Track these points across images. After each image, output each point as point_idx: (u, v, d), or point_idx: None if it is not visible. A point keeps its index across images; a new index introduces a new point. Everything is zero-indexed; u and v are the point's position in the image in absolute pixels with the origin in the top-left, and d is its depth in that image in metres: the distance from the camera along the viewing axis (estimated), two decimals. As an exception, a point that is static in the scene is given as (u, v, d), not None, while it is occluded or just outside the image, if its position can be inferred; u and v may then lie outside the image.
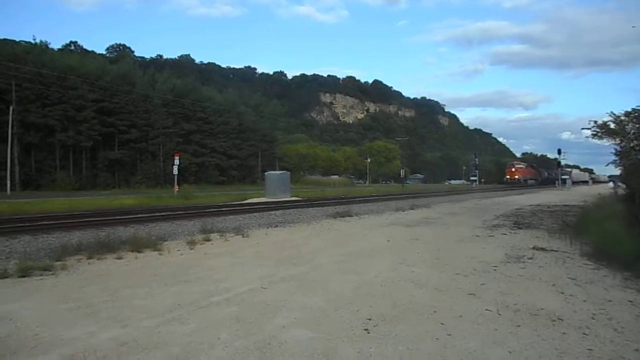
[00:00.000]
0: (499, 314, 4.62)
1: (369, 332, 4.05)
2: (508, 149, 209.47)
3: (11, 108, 41.50)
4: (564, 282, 6.04)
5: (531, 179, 74.00)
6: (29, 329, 4.08)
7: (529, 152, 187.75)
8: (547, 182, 75.67)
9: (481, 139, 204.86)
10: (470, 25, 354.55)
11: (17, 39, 60.01)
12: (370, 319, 4.38)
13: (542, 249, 8.68)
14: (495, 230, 12.03)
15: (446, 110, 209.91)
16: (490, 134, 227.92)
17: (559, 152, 75.52)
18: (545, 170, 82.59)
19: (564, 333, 4.10)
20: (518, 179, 71.30)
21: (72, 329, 4.10)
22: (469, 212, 18.54)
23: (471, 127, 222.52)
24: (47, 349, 3.65)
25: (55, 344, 3.73)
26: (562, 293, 5.49)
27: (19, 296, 5.26)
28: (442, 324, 4.28)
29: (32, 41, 57.65)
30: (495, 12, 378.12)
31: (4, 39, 57.78)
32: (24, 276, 6.18)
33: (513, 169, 74.70)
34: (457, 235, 10.84)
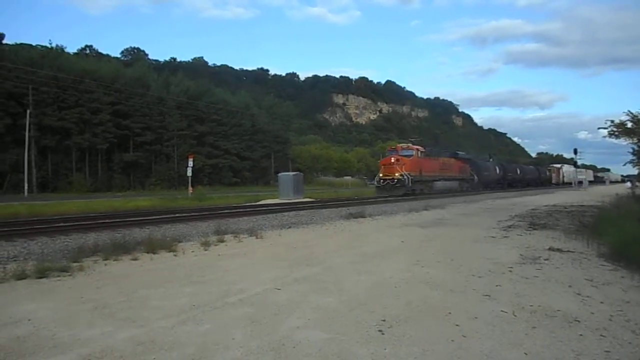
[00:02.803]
0: (515, 316, 4.57)
1: (383, 333, 4.04)
2: (523, 149, 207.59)
3: (28, 111, 42.19)
4: (581, 284, 5.96)
5: (448, 179, 38.60)
6: (47, 329, 4.14)
7: (544, 152, 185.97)
8: (502, 184, 52.94)
9: (496, 139, 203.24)
10: (484, 24, 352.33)
11: (34, 44, 61.13)
12: (384, 320, 4.37)
13: (558, 250, 8.58)
14: (511, 231, 11.92)
15: (460, 110, 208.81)
16: (505, 133, 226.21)
17: (575, 151, 72.84)
18: (496, 166, 54.11)
19: (581, 335, 4.05)
20: (398, 180, 30.99)
21: (89, 329, 4.15)
22: (484, 212, 18.40)
23: (485, 127, 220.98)
24: (65, 348, 3.70)
25: (73, 344, 3.78)
26: (578, 294, 5.42)
27: (36, 297, 5.34)
28: (457, 325, 4.26)
29: (48, 45, 58.59)
30: (510, 11, 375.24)
31: (21, 44, 58.79)
32: (41, 277, 6.27)
33: (392, 160, 32.00)
34: (472, 236, 10.76)
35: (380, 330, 4.10)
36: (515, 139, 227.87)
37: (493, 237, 10.68)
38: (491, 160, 63.57)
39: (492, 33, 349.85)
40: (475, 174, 44.76)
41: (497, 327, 4.24)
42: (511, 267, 6.98)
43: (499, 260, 7.59)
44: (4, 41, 51.27)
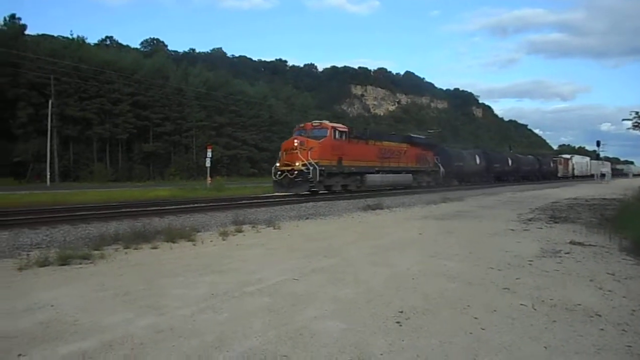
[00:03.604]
0: (535, 309, 4.52)
1: (400, 325, 4.03)
2: (545, 141, 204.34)
3: (50, 102, 42.89)
4: (602, 277, 5.87)
5: (394, 170, 28.21)
6: (69, 316, 4.22)
7: (566, 144, 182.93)
8: (486, 177, 44.13)
9: (516, 131, 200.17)
10: (505, 13, 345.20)
11: (55, 34, 61.98)
12: (402, 312, 4.36)
13: (580, 244, 8.44)
14: (531, 224, 11.77)
15: (480, 101, 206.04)
16: (526, 125, 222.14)
17: (598, 143, 70.82)
18: (477, 155, 43.80)
19: (602, 329, 3.99)
20: (299, 172, 21.09)
21: (110, 316, 4.23)
22: (504, 205, 18.19)
23: (506, 119, 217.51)
24: (87, 334, 3.77)
25: (94, 330, 3.85)
26: (600, 288, 5.34)
27: (59, 284, 5.45)
28: (475, 318, 4.23)
29: (70, 36, 59.45)
30: (532, 0, 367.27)
31: (43, 34, 59.68)
32: (64, 264, 6.39)
33: (295, 144, 21.78)
34: (491, 229, 10.65)
35: (397, 322, 4.09)
36: (536, 131, 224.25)
37: (513, 230, 10.56)
38: (479, 150, 49.64)
39: (513, 23, 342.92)
40: (442, 165, 34.43)
41: (517, 320, 4.19)
42: (531, 261, 6.89)
43: (518, 253, 7.50)
44: (27, 32, 52.10)
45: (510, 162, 50.39)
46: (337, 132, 23.09)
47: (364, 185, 24.95)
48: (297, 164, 21.07)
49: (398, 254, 7.55)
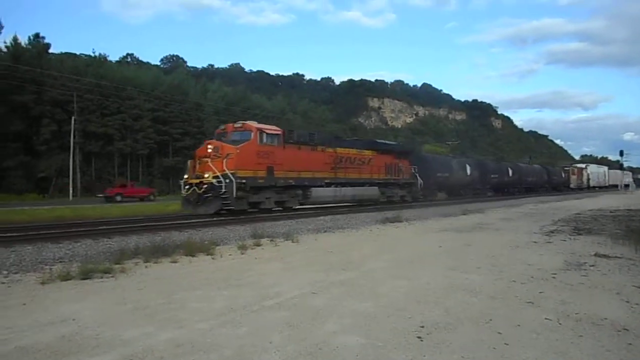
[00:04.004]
0: (560, 324, 4.41)
1: (421, 340, 3.96)
2: (566, 151, 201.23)
3: (73, 118, 43.84)
4: (629, 290, 5.71)
5: (352, 183, 23.18)
6: (91, 329, 4.25)
7: (588, 154, 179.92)
8: (480, 190, 39.52)
9: (537, 142, 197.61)
10: (524, 24, 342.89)
11: (78, 53, 63.54)
12: (422, 327, 4.29)
13: (605, 256, 8.24)
14: (554, 236, 11.55)
15: (499, 112, 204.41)
16: (547, 136, 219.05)
17: (621, 153, 69.45)
18: (467, 164, 37.53)
19: (630, 344, 3.86)
20: (209, 186, 16.48)
21: (131, 329, 4.24)
22: (525, 217, 17.91)
23: (526, 129, 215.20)
24: (108, 348, 3.78)
25: (115, 344, 3.87)
26: (627, 302, 5.19)
27: (81, 297, 5.50)
28: (499, 333, 4.13)
29: (92, 54, 60.82)
30: (551, 10, 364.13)
31: (66, 53, 61.34)
32: (85, 278, 6.46)
33: (209, 150, 17.31)
34: (513, 242, 10.48)
35: (418, 337, 4.03)
36: (557, 142, 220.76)
37: (535, 242, 10.37)
38: (472, 159, 44.29)
39: (532, 33, 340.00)
40: (420, 176, 29.17)
41: (541, 335, 4.09)
42: (555, 274, 6.75)
43: (541, 266, 7.35)
44: (50, 51, 53.45)
45: (510, 172, 44.16)
46: (265, 136, 18.55)
47: (309, 201, 20.55)
48: (206, 175, 16.66)
49: (418, 267, 7.46)
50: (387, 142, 31.45)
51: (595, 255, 8.37)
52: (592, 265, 7.41)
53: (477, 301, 5.25)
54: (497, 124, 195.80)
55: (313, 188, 20.49)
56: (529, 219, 16.72)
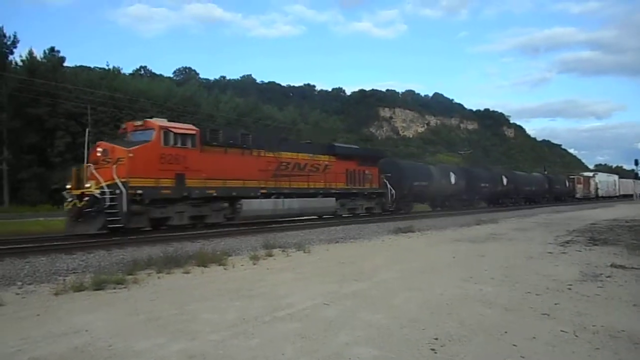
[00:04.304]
0: (576, 336, 4.33)
1: (435, 352, 3.91)
2: (580, 160, 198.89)
3: (87, 130, 44.08)
4: (648, 303, 5.60)
5: (299, 193, 19.95)
6: (104, 340, 4.26)
7: (602, 163, 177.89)
8: (467, 201, 35.66)
9: (550, 151, 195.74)
10: (535, 33, 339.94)
11: (92, 66, 64.45)
12: (436, 338, 4.24)
13: (622, 267, 8.11)
14: (569, 246, 11.40)
15: (511, 121, 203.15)
16: (560, 145, 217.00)
17: (636, 162, 68.41)
18: (451, 172, 33.45)
19: (651, 358, 3.78)
20: (91, 198, 13.48)
21: (143, 340, 4.24)
22: (539, 227, 17.71)
23: (539, 139, 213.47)
24: (121, 359, 3.78)
25: (128, 355, 3.87)
26: (646, 314, 5.09)
27: (94, 308, 5.53)
28: (514, 345, 4.06)
29: (106, 67, 61.65)
30: (563, 19, 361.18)
31: (81, 66, 62.11)
32: (98, 289, 6.49)
33: (98, 153, 14.98)
34: (527, 252, 10.35)
35: (432, 349, 3.97)
36: (571, 151, 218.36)
37: (550, 252, 10.24)
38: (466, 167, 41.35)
39: (544, 42, 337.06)
40: (392, 185, 25.80)
41: (558, 347, 4.02)
42: (570, 285, 6.64)
43: (557, 277, 7.25)
44: (65, 64, 54.30)
45: (505, 180, 39.66)
46: (171, 136, 15.28)
47: (240, 215, 17.01)
48: (87, 185, 13.74)
49: (431, 277, 7.39)
50: (348, 145, 27.98)
51: (612, 266, 8.24)
52: (609, 276, 7.29)
53: (492, 313, 5.18)
54: (510, 133, 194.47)
55: (245, 200, 17.02)
56: (543, 229, 16.53)
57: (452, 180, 32.61)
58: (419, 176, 29.12)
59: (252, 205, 17.27)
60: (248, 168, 17.49)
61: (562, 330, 4.47)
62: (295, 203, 19.38)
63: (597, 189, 58.55)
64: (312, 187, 20.36)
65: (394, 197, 25.72)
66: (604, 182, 61.37)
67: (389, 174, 25.82)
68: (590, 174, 63.07)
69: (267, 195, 18.10)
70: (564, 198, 50.86)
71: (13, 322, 4.96)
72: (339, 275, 7.59)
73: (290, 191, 19.20)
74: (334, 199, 21.42)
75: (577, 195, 53.71)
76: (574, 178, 55.58)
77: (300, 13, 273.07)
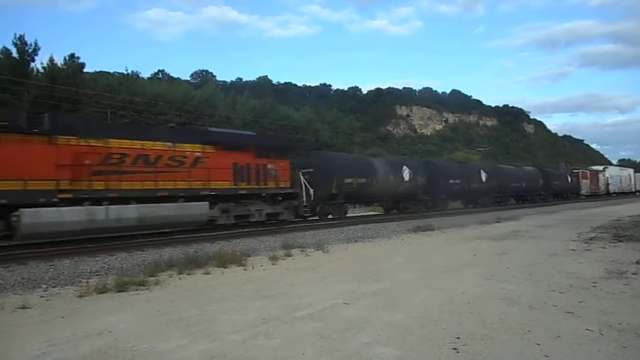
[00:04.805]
0: (602, 334, 4.25)
1: (457, 352, 3.87)
2: (603, 155, 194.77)
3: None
4: (677, 300, 5.46)
5: (120, 198, 13.22)
6: (127, 341, 4.31)
7: (626, 158, 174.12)
8: (430, 201, 28.17)
9: (571, 146, 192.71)
10: (554, 26, 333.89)
11: (112, 71, 65.42)
12: (458, 338, 4.19)
13: (648, 263, 7.93)
14: (593, 243, 11.19)
15: (531, 117, 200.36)
16: (582, 140, 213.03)
17: None
18: (404, 166, 26.10)
19: (681, 357, 3.68)
20: None
21: (165, 341, 4.29)
22: (562, 224, 17.42)
23: (560, 134, 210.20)
24: (143, 360, 3.83)
25: (151, 356, 3.91)
26: (675, 312, 4.96)
27: (117, 310, 5.60)
28: (537, 344, 4.00)
29: (125, 72, 62.51)
30: (582, 11, 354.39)
31: (100, 72, 63.08)
32: (121, 291, 6.58)
33: None
34: (550, 249, 10.19)
35: (454, 348, 3.93)
36: (593, 146, 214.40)
37: (573, 250, 10.07)
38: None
39: (564, 35, 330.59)
40: (312, 183, 19.56)
41: (583, 346, 3.94)
42: (595, 282, 6.52)
43: (581, 274, 7.12)
44: (85, 70, 55.22)
45: (484, 176, 32.11)
46: None
47: (20, 233, 11.32)
48: None
49: (452, 276, 7.32)
50: (236, 131, 20.83)
51: (637, 262, 8.06)
52: (634, 274, 7.14)
53: (515, 311, 5.11)
54: (530, 129, 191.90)
55: (26, 210, 11.24)
56: (566, 226, 16.26)
57: (406, 176, 26.01)
58: (353, 171, 22.50)
59: (40, 217, 11.48)
60: (34, 161, 11.88)
61: (587, 329, 4.39)
62: (129, 212, 13.36)
63: (607, 184, 51.93)
64: (166, 187, 14.48)
65: (312, 198, 19.42)
66: (616, 176, 54.78)
67: (311, 169, 20.00)
68: (600, 167, 56.10)
69: (75, 202, 12.44)
70: (567, 195, 44.34)
71: (38, 325, 5.05)
72: (358, 275, 7.56)
73: (123, 195, 13.43)
74: (207, 203, 15.37)
75: (583, 192, 46.52)
76: (578, 172, 47.89)
77: (316, 13, 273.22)
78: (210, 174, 15.60)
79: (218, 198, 15.90)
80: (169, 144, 15.02)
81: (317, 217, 20.76)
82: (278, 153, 18.57)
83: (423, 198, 27.62)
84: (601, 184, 50.56)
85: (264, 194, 17.55)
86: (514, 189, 36.69)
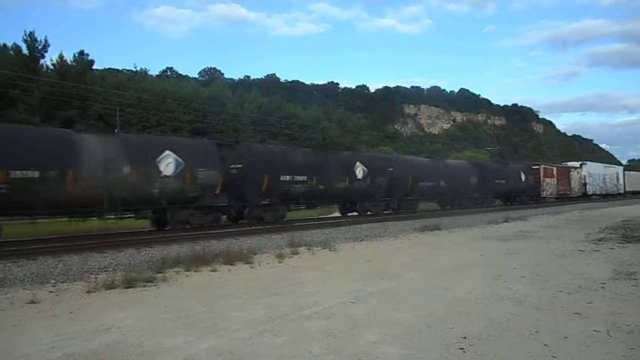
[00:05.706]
0: (610, 336, 4.22)
1: (464, 352, 3.86)
2: (612, 155, 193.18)
3: (116, 131, 45.09)
4: (687, 302, 5.41)
5: None
6: (135, 338, 4.34)
7: (636, 158, 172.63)
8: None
9: (581, 146, 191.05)
10: (564, 26, 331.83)
11: (120, 68, 65.85)
12: (465, 338, 4.18)
13: (658, 265, 7.87)
14: (601, 244, 11.11)
15: (540, 116, 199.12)
16: (591, 140, 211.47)
17: None
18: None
19: (690, 359, 3.65)
20: None
21: (172, 338, 4.31)
22: (570, 224, 17.32)
23: (569, 134, 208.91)
24: (151, 357, 3.85)
25: (158, 353, 3.93)
26: (684, 314, 4.92)
27: (125, 306, 5.64)
28: (545, 345, 3.98)
29: (134, 69, 62.88)
30: (592, 11, 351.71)
31: (109, 69, 63.55)
32: (129, 287, 6.61)
33: None
34: (558, 250, 10.13)
35: (461, 348, 3.92)
36: (603, 146, 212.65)
37: (582, 250, 10.01)
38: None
39: (574, 35, 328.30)
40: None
41: (591, 347, 3.92)
42: (603, 283, 6.47)
43: (589, 275, 7.08)
44: (94, 67, 55.56)
45: (361, 172, 21.64)
46: None
47: None
48: None
49: (459, 276, 7.30)
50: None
51: (647, 263, 8.00)
52: (644, 275, 7.08)
53: (522, 311, 5.09)
54: (539, 128, 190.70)
55: None
56: (575, 227, 16.16)
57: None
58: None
59: None
60: None
61: (595, 330, 4.37)
62: None
63: (584, 184, 42.95)
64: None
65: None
66: (598, 175, 46.02)
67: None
68: (577, 163, 45.51)
69: None
70: (522, 198, 34.81)
71: (47, 319, 5.10)
72: (365, 274, 7.57)
73: None
74: None
75: (545, 194, 36.41)
76: (538, 168, 36.43)
77: (324, 11, 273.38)
78: None
79: None
80: None
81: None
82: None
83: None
84: (574, 184, 41.36)
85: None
86: (423, 190, 25.49)
